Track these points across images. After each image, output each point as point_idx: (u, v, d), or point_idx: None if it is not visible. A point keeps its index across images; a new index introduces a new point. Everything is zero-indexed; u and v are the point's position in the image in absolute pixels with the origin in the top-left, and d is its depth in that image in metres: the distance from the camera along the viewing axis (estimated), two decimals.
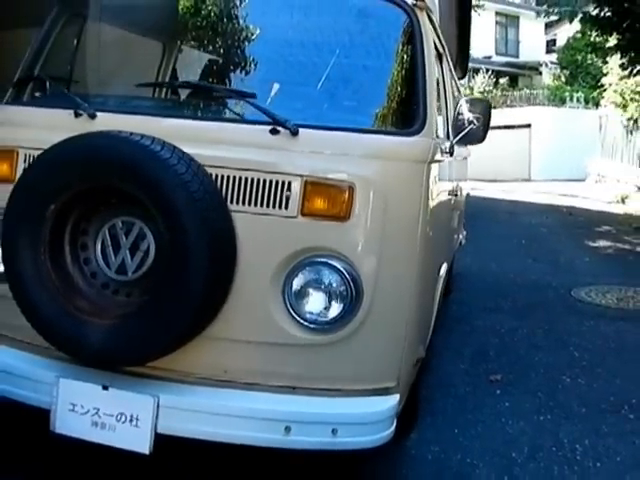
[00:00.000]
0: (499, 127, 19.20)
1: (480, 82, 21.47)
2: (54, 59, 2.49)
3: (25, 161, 2.21)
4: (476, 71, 23.61)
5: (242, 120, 2.16)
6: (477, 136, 2.45)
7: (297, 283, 2.06)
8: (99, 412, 2.08)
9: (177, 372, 2.13)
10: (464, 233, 6.12)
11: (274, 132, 2.06)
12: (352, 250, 2.05)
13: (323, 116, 2.27)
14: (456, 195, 3.46)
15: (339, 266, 2.04)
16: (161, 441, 2.06)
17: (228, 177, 2.04)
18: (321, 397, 2.09)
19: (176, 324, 1.94)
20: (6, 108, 2.40)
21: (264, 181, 2.03)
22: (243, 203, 2.04)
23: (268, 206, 2.03)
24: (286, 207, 2.03)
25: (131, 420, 2.06)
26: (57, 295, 2.03)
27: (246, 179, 2.04)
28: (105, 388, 2.08)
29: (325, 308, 2.06)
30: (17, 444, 2.63)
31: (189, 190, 1.88)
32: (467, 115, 2.42)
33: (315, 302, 2.06)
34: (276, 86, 2.25)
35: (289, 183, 2.02)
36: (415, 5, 2.32)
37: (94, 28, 2.61)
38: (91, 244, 2.11)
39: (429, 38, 2.36)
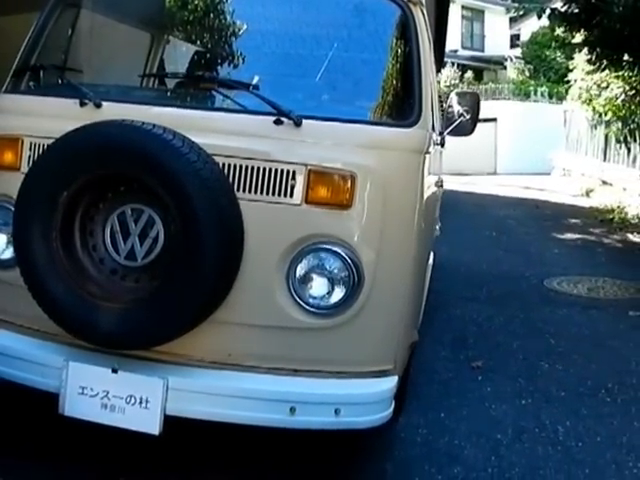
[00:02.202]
0: None
1: (446, 76, 21.77)
2: (53, 48, 2.54)
3: (30, 149, 2.27)
4: (443, 65, 23.88)
5: (247, 111, 2.25)
6: (466, 128, 2.59)
7: (301, 269, 2.16)
8: (109, 395, 2.16)
9: (183, 356, 2.21)
10: (439, 224, 6.28)
11: (278, 122, 2.16)
12: (354, 237, 2.16)
13: (324, 108, 2.38)
14: (440, 186, 3.60)
15: (341, 252, 2.15)
16: (169, 422, 2.14)
17: (235, 166, 2.14)
18: (324, 379, 2.20)
19: (187, 308, 2.02)
20: (8, 97, 2.44)
21: (269, 170, 2.13)
22: (249, 191, 2.14)
23: (274, 194, 2.13)
24: (291, 195, 2.13)
25: (141, 402, 2.14)
26: (69, 280, 2.10)
27: (252, 168, 2.13)
28: (114, 371, 2.15)
29: (328, 293, 2.17)
30: (23, 425, 2.71)
31: (201, 178, 1.97)
32: (457, 108, 2.56)
33: (318, 287, 2.16)
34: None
35: (294, 172, 2.13)
36: (410, 1, 2.45)
37: (94, 18, 2.66)
38: (99, 231, 2.17)
39: (424, 33, 2.48)
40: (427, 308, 4.75)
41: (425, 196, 2.53)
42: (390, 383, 2.26)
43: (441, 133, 2.82)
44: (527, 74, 23.73)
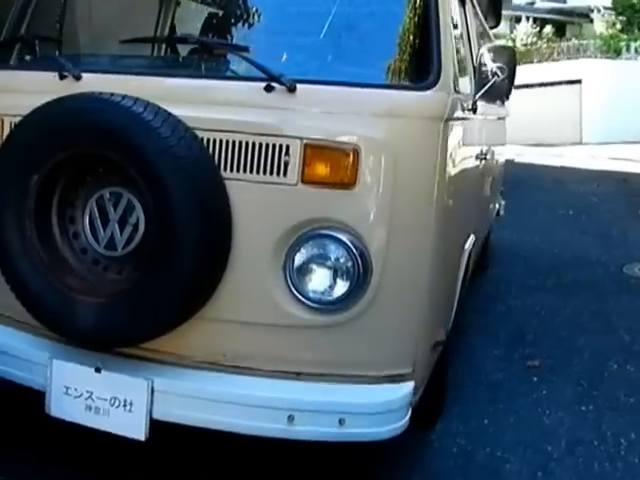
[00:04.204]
0: (544, 84, 18.89)
1: (522, 32, 21.07)
2: (41, 18, 2.52)
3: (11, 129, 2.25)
4: (518, 19, 23.12)
5: (234, 77, 2.20)
6: (502, 90, 2.42)
7: (299, 259, 2.08)
8: (92, 396, 2.16)
9: (174, 355, 2.18)
10: (502, 203, 6.11)
11: (269, 89, 2.06)
12: (359, 221, 2.06)
13: (323, 70, 2.27)
14: (485, 159, 3.43)
15: (345, 239, 2.05)
16: (158, 426, 2.12)
17: (220, 141, 2.06)
18: (327, 384, 2.12)
19: (165, 304, 1.98)
20: None
21: (260, 145, 2.04)
22: (238, 170, 2.06)
23: (265, 173, 2.04)
24: (285, 174, 2.03)
25: (125, 405, 2.13)
26: (45, 272, 2.10)
27: (240, 143, 2.05)
28: (98, 370, 2.14)
29: (330, 286, 2.08)
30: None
31: (174, 156, 1.90)
32: (490, 66, 2.39)
33: (319, 279, 2.08)
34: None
35: (287, 146, 2.02)
36: None
37: None
38: (80, 217, 2.15)
39: None
40: (480, 299, 4.66)
41: (453, 171, 2.40)
42: (405, 389, 2.16)
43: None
44: (618, 27, 22.67)
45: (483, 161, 3.31)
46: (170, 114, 1.98)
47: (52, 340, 2.22)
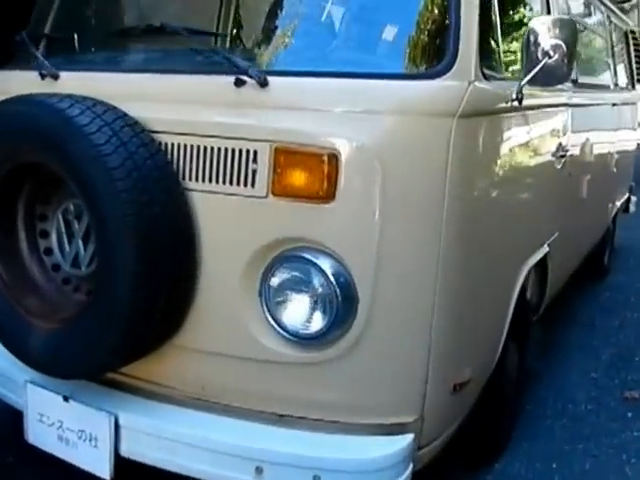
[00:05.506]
0: None
1: None
2: (65, 15, 2.38)
3: None
4: None
5: (203, 70, 1.88)
6: (558, 73, 1.91)
7: (274, 285, 1.75)
8: (63, 426, 1.99)
9: (152, 384, 1.96)
10: (633, 199, 5.39)
11: (239, 83, 1.74)
12: (339, 242, 1.68)
13: (305, 58, 1.90)
14: (571, 155, 2.85)
15: (321, 264, 1.69)
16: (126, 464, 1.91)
17: (185, 146, 1.77)
18: (306, 432, 1.79)
19: (105, 335, 1.73)
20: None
21: (225, 150, 1.72)
22: (203, 180, 1.76)
23: (231, 183, 1.72)
24: (252, 184, 1.70)
25: (90, 439, 1.93)
26: (5, 291, 1.94)
27: (204, 148, 1.75)
28: (65, 399, 1.96)
29: (308, 318, 1.73)
30: None
31: (107, 166, 1.62)
32: (544, 44, 1.89)
33: (295, 310, 1.74)
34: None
35: (255, 152, 1.69)
36: None
37: None
38: (51, 231, 1.98)
39: None
40: (592, 310, 4.28)
41: (494, 175, 2.02)
42: (401, 443, 1.76)
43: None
44: None
45: (564, 158, 2.74)
46: (119, 117, 1.73)
47: None
